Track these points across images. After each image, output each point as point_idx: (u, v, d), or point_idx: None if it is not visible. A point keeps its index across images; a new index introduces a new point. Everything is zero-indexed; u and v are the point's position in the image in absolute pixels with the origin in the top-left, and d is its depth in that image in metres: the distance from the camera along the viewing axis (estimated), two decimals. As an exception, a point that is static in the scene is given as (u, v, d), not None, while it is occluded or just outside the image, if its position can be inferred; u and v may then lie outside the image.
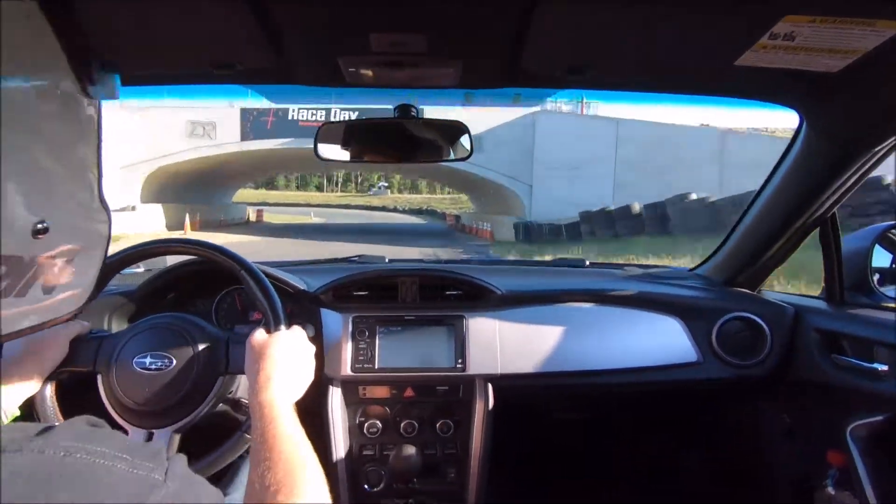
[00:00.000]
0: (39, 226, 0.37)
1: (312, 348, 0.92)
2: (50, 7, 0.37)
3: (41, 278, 0.39)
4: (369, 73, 1.00)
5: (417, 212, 42.58)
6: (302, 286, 1.38)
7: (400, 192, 75.01)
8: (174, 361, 0.92)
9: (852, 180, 1.17)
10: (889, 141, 1.06)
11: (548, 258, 1.85)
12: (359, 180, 78.40)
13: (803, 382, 1.35)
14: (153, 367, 0.91)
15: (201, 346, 0.95)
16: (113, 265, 0.99)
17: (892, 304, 1.27)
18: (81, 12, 0.73)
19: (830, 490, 1.26)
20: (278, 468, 0.63)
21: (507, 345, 1.38)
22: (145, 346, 0.93)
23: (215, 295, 1.38)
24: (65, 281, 0.42)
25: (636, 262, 1.87)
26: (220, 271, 1.04)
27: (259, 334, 0.88)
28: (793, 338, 1.37)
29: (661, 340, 1.41)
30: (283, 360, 0.84)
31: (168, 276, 1.33)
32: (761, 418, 1.52)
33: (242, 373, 0.90)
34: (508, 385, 1.38)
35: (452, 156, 1.21)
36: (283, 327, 0.93)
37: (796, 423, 1.43)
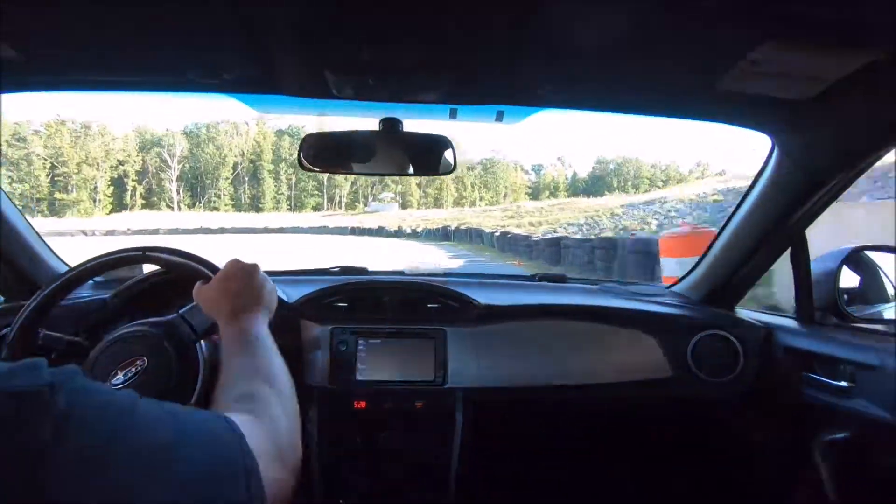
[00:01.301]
0: None
1: (254, 265, 0.90)
2: None
3: None
4: (356, 85, 1.00)
5: (443, 235, 24.95)
6: (282, 297, 1.37)
7: (419, 207, 62.94)
8: (146, 359, 0.89)
9: (821, 204, 1.21)
10: (857, 167, 1.10)
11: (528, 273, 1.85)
12: (368, 200, 67.34)
13: (775, 399, 1.38)
14: (130, 374, 0.88)
15: (159, 329, 0.93)
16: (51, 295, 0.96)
17: (859, 324, 1.31)
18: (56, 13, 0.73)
19: None
20: (234, 366, 0.69)
21: (486, 359, 1.38)
22: (110, 365, 0.89)
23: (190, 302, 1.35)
24: None
25: (616, 280, 1.90)
26: (194, 279, 1.02)
27: (200, 285, 0.89)
28: (765, 356, 1.40)
29: (637, 357, 1.43)
30: (228, 290, 0.84)
31: (143, 284, 1.30)
32: (735, 434, 1.55)
33: (211, 327, 0.91)
34: (488, 399, 1.38)
35: (438, 169, 1.22)
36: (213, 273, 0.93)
37: (768, 440, 1.46)
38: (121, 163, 62.03)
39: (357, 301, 1.41)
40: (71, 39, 0.81)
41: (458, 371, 1.36)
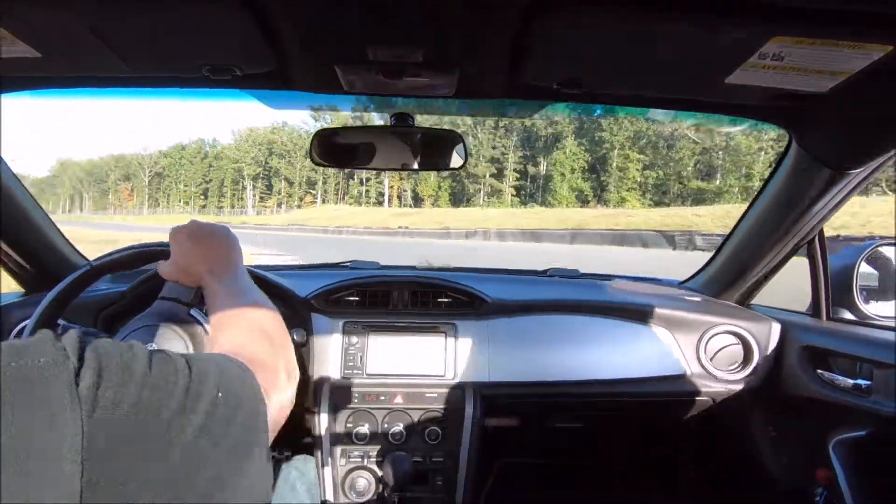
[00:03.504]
0: None
1: (191, 223, 0.88)
2: None
3: None
4: (367, 81, 1.01)
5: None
6: (293, 290, 1.38)
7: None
8: (156, 344, 0.90)
9: (839, 198, 1.19)
10: (876, 161, 1.08)
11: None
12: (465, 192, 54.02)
13: (789, 396, 1.36)
14: None
15: (154, 318, 0.93)
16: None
17: (877, 322, 1.29)
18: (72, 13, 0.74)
19: None
20: (221, 316, 0.71)
21: (497, 353, 1.38)
22: None
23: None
24: None
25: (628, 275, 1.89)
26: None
27: (161, 265, 0.88)
28: (779, 352, 1.39)
29: (650, 352, 1.42)
30: (187, 252, 0.83)
31: (156, 278, 1.32)
32: (749, 431, 1.53)
33: (197, 292, 0.90)
34: (498, 394, 1.39)
35: (448, 164, 1.22)
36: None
37: (782, 437, 1.44)
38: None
39: (368, 295, 1.42)
40: (85, 34, 0.82)
41: (469, 366, 1.36)
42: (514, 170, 52.84)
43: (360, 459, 1.35)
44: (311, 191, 71.48)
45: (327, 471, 1.31)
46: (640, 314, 1.45)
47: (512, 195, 52.77)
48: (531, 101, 1.14)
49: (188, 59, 0.93)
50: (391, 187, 61.57)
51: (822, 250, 1.33)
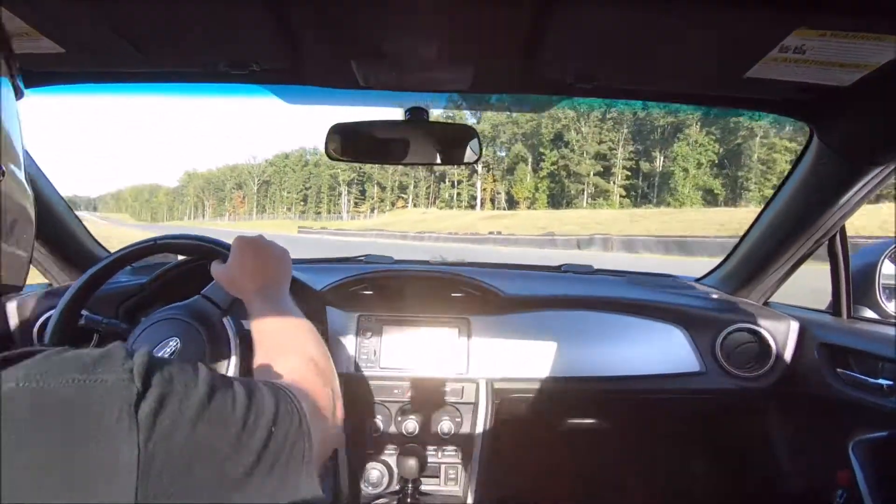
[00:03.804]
0: None
1: (258, 236, 0.91)
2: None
3: None
4: (382, 75, 1.01)
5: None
6: (309, 284, 1.40)
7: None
8: (178, 340, 0.93)
9: (862, 194, 1.16)
10: None
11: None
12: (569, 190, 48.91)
13: (807, 396, 1.34)
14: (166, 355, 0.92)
15: (185, 311, 0.96)
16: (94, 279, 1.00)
17: None
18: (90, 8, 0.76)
19: None
20: (269, 342, 0.73)
21: (511, 349, 1.38)
22: (146, 347, 0.93)
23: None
24: None
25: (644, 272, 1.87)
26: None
27: (215, 265, 0.90)
28: (798, 351, 1.36)
29: (665, 349, 1.41)
30: (245, 265, 0.85)
31: (177, 269, 1.34)
32: (765, 430, 1.51)
33: (235, 301, 0.92)
34: (512, 389, 1.39)
35: (462, 159, 1.23)
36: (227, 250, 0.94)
37: (799, 437, 1.42)
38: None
39: (383, 289, 1.43)
40: (108, 30, 0.83)
41: (482, 361, 1.36)
42: (624, 167, 47.38)
43: (372, 452, 1.36)
44: (403, 195, 74.27)
45: (340, 464, 1.33)
46: (655, 311, 1.44)
47: (621, 196, 47.23)
48: (546, 95, 1.14)
49: (207, 55, 0.94)
50: (484, 189, 60.62)
51: (843, 247, 1.30)
